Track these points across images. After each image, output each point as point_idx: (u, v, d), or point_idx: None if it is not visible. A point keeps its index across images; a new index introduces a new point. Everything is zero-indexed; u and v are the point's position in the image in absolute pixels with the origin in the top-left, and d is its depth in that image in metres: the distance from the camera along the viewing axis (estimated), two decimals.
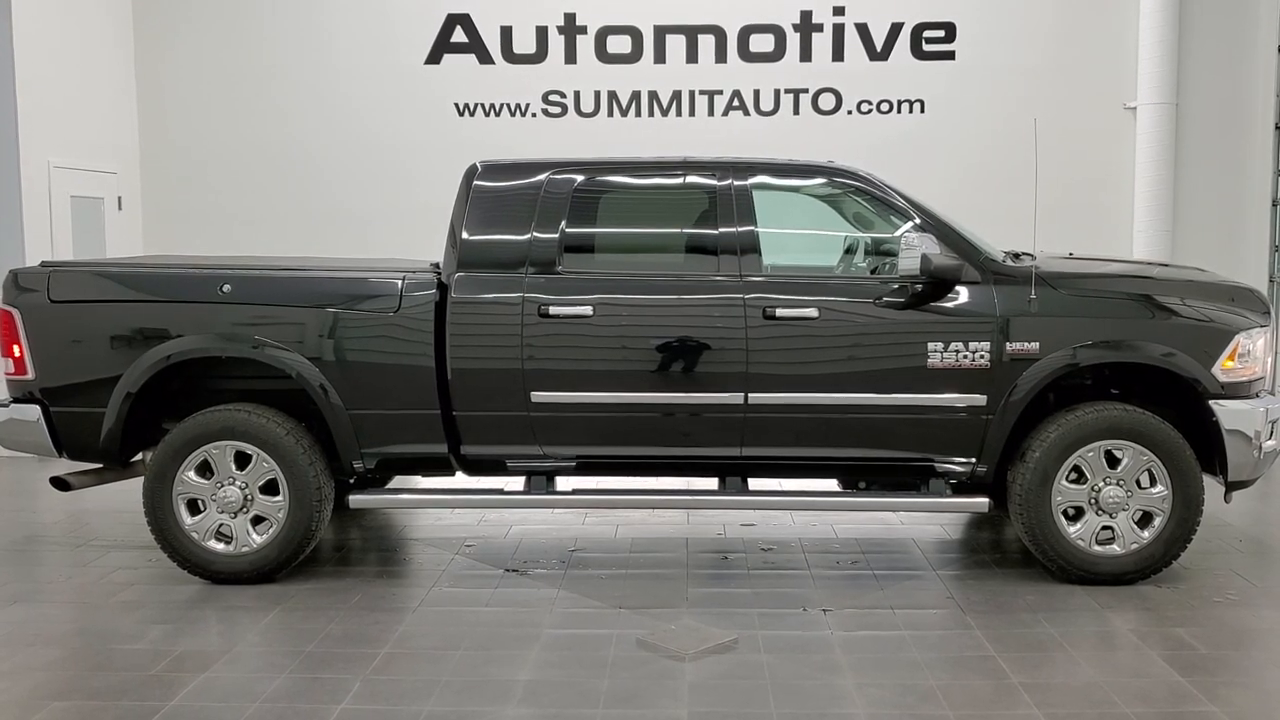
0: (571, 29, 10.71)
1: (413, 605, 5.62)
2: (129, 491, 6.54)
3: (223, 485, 5.84)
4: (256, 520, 5.87)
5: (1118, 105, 10.56)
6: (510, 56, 10.75)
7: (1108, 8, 10.53)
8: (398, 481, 6.98)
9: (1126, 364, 5.86)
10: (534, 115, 10.76)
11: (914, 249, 5.58)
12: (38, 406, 5.93)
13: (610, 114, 10.74)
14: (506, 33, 10.72)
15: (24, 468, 8.73)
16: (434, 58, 10.77)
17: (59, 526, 7.22)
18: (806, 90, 10.70)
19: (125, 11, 10.75)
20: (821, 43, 10.66)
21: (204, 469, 5.85)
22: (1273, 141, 10.33)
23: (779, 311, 5.72)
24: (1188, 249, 10.24)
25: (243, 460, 5.84)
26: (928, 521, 7.08)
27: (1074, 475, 5.75)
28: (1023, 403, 5.72)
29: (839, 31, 10.64)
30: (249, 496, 5.85)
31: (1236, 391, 5.77)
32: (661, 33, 10.68)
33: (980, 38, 10.59)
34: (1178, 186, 10.45)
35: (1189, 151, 10.51)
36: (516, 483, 6.17)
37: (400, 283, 5.85)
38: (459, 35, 10.74)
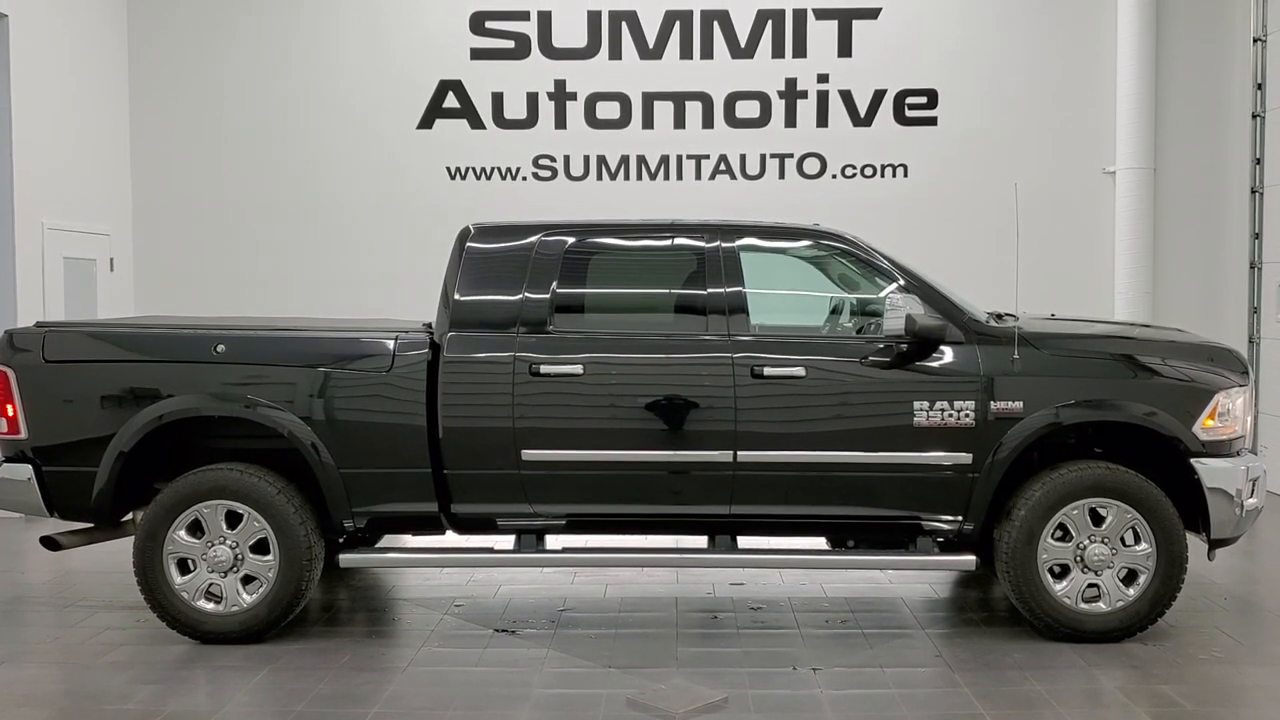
0: (561, 95, 10.92)
1: (402, 665, 5.61)
2: (116, 552, 6.55)
3: (213, 544, 5.85)
4: (247, 579, 5.87)
5: (1097, 170, 10.79)
6: (501, 121, 10.94)
7: (1086, 75, 10.80)
8: (387, 540, 6.98)
9: (1109, 423, 5.94)
10: (524, 179, 10.93)
11: (898, 309, 5.69)
12: (30, 466, 5.94)
13: (599, 177, 10.92)
14: (498, 98, 10.92)
15: (10, 528, 8.69)
16: (426, 122, 10.96)
17: (47, 587, 7.19)
18: (792, 155, 10.91)
19: (121, 75, 10.92)
20: (806, 109, 10.89)
21: (195, 528, 5.86)
22: (1249, 206, 10.53)
23: (767, 370, 5.80)
24: (1168, 311, 10.41)
25: (233, 519, 5.85)
26: (916, 580, 7.11)
27: (1059, 533, 5.81)
28: (1007, 461, 5.79)
29: (823, 98, 10.88)
30: (239, 556, 5.85)
31: (1217, 450, 5.85)
32: (650, 99, 10.90)
33: (962, 104, 10.84)
34: (1157, 249, 10.66)
35: (1168, 215, 10.73)
36: (506, 541, 6.18)
37: (393, 343, 5.92)
38: (451, 101, 10.94)
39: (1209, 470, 5.79)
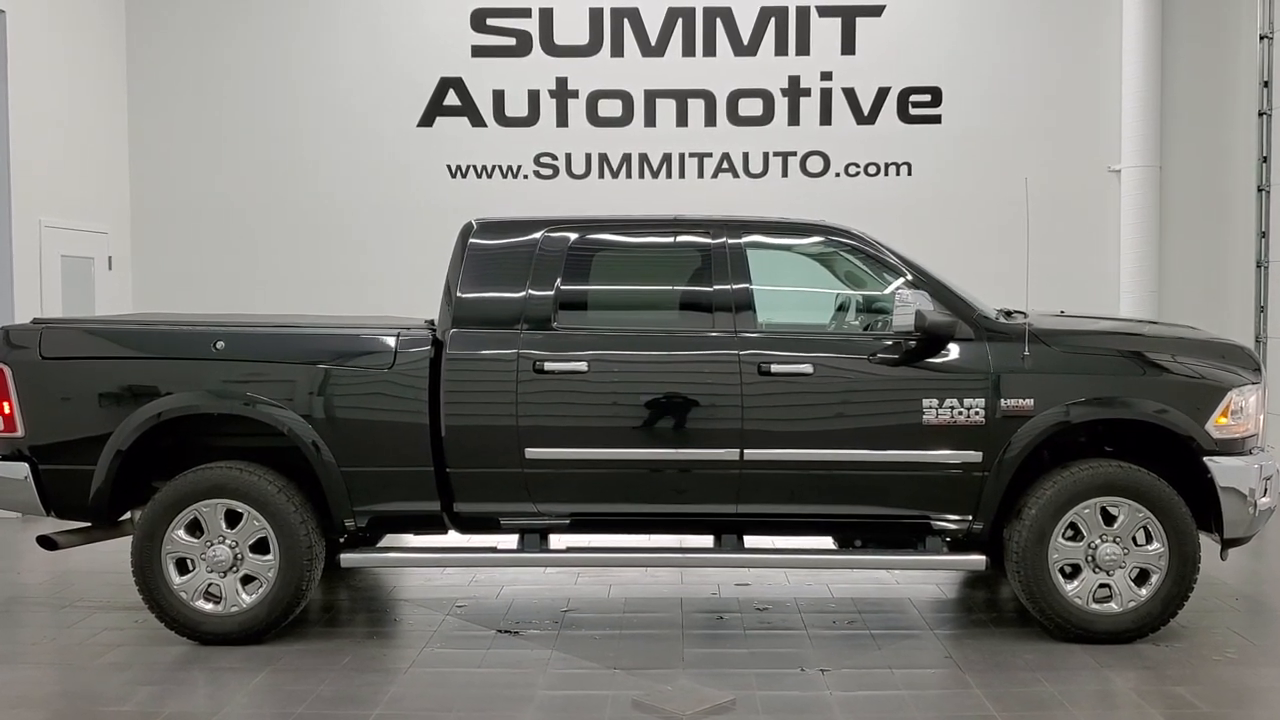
0: (563, 93, 10.85)
1: (404, 666, 5.53)
2: (114, 552, 6.48)
3: (212, 544, 5.77)
4: (246, 579, 5.79)
5: (1102, 168, 10.73)
6: (502, 119, 10.88)
7: (1090, 73, 10.74)
8: (389, 540, 6.90)
9: (1120, 420, 5.86)
10: (525, 177, 10.87)
11: (908, 305, 5.61)
12: (26, 464, 5.86)
13: (601, 175, 10.85)
14: (499, 96, 10.86)
15: (7, 527, 8.61)
16: (427, 120, 10.89)
17: (43, 587, 7.10)
18: (795, 153, 10.84)
19: (119, 73, 10.84)
20: (809, 107, 10.82)
21: (194, 527, 5.78)
22: (1256, 204, 10.47)
23: (774, 368, 5.72)
24: (1174, 309, 10.34)
25: (233, 518, 5.77)
26: (923, 580, 7.03)
27: (1070, 533, 5.73)
28: (1018, 459, 5.71)
29: (826, 96, 10.82)
30: (239, 555, 5.77)
31: (1230, 448, 5.77)
32: (652, 97, 10.83)
33: (966, 102, 10.78)
34: (1163, 248, 10.60)
35: (1173, 214, 10.67)
36: (510, 541, 6.11)
37: (395, 339, 5.84)
38: (452, 98, 10.88)
39: (1222, 469, 5.71)
